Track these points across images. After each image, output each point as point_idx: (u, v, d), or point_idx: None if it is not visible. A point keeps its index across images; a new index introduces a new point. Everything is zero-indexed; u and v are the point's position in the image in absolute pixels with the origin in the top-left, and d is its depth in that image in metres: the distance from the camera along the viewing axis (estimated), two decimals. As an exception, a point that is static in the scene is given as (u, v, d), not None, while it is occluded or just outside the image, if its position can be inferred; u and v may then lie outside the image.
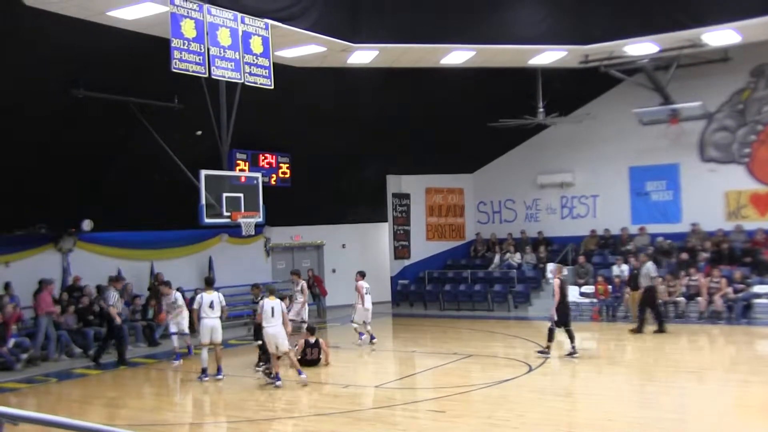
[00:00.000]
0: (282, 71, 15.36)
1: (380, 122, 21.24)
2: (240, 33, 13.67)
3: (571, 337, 14.57)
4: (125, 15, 12.98)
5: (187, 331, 15.97)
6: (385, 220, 25.90)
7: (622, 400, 11.59)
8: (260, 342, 13.78)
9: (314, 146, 21.22)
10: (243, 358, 15.41)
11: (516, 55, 18.55)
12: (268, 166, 21.10)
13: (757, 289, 19.13)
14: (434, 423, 10.25)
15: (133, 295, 18.96)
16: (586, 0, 18.03)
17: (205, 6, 12.98)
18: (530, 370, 13.44)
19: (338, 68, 17.96)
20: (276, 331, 12.78)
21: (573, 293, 21.10)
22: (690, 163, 22.44)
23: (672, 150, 22.32)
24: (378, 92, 20.08)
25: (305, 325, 15.71)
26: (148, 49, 13.95)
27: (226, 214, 13.99)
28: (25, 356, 15.52)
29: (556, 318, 14.55)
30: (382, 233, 26.32)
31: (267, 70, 14.19)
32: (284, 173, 21.64)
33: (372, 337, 17.21)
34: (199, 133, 17.17)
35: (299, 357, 14.30)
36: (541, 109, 21.11)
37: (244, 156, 20.28)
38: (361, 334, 17.39)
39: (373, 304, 17.84)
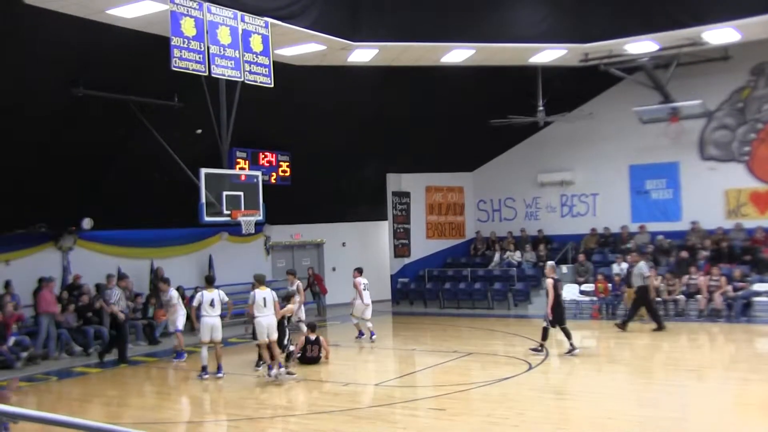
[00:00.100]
0: (282, 70, 15.36)
1: (380, 120, 21.24)
2: (240, 31, 13.68)
3: (568, 335, 14.59)
4: (125, 13, 12.99)
5: (181, 328, 15.72)
6: (385, 219, 25.90)
7: (622, 398, 11.59)
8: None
9: (314, 144, 21.22)
10: (243, 357, 15.42)
11: (516, 54, 18.55)
12: (268, 164, 21.10)
13: (757, 287, 19.14)
14: (434, 421, 10.26)
15: (134, 294, 18.96)
16: (587, -2, 18.07)
17: (205, 4, 12.98)
18: (530, 368, 13.45)
19: (338, 67, 17.96)
20: (270, 321, 12.95)
21: (573, 291, 21.24)
22: (690, 162, 22.44)
23: (672, 148, 22.33)
24: (378, 90, 20.08)
25: (302, 325, 15.71)
26: (148, 48, 13.95)
27: (226, 212, 14.01)
28: (25, 354, 15.53)
29: (551, 317, 14.58)
30: (382, 231, 26.34)
31: (267, 69, 14.20)
32: (284, 172, 21.64)
33: (372, 333, 17.26)
34: (199, 131, 17.18)
35: (299, 354, 14.34)
36: (541, 108, 21.11)
37: (244, 154, 20.28)
38: (360, 333, 17.48)
39: (374, 302, 17.92)
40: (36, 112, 15.32)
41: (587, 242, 23.80)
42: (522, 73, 20.11)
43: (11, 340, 15.38)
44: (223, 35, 13.35)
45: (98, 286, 18.52)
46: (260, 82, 14.13)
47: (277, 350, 13.25)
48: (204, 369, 13.62)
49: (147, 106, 16.44)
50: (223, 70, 13.36)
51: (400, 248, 25.85)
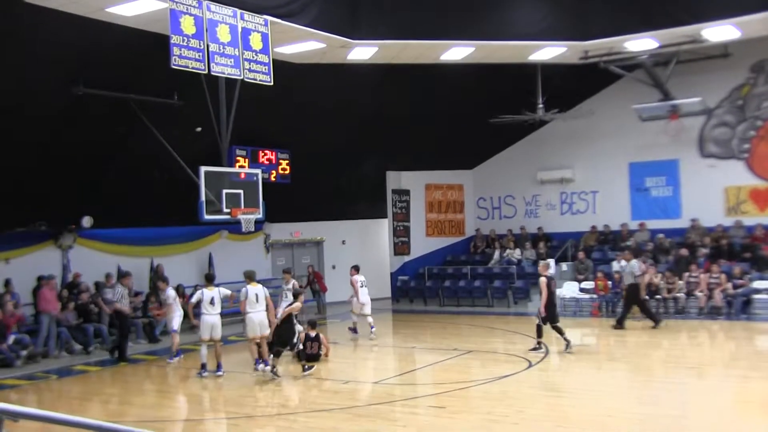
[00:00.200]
0: (281, 68, 15.37)
1: (380, 118, 21.23)
2: (239, 29, 13.68)
3: (560, 332, 14.64)
4: (124, 11, 13.00)
5: (176, 329, 15.47)
6: (385, 217, 25.90)
7: (622, 396, 11.60)
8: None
9: (314, 142, 21.22)
10: (243, 355, 15.40)
11: (516, 51, 18.54)
12: (267, 162, 21.09)
13: (757, 284, 19.13)
14: (434, 419, 10.26)
15: (134, 292, 18.95)
16: (586, -4, 18.07)
17: (205, 2, 12.98)
18: (530, 366, 13.46)
19: (338, 64, 17.95)
20: (262, 317, 13.11)
21: (573, 289, 21.26)
22: (690, 159, 22.44)
23: (672, 146, 22.32)
24: (377, 88, 20.08)
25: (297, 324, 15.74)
26: (148, 46, 13.95)
27: (225, 210, 14.01)
28: (24, 353, 15.52)
29: (544, 314, 14.62)
30: (381, 229, 26.33)
31: (266, 67, 14.20)
32: (284, 170, 21.62)
33: (371, 327, 17.40)
34: (199, 129, 17.17)
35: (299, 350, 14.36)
36: (541, 105, 21.10)
37: (243, 152, 20.26)
38: (355, 330, 17.72)
39: (374, 300, 18.02)
40: (36, 110, 15.31)
41: (587, 240, 23.80)
42: (522, 70, 20.11)
43: (11, 339, 15.37)
44: (223, 33, 13.35)
45: (97, 284, 18.53)
46: (260, 80, 14.13)
47: (265, 347, 13.30)
48: (203, 367, 13.63)
49: (147, 104, 16.43)
50: (222, 69, 13.36)
51: (400, 246, 25.86)
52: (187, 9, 12.63)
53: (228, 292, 13.99)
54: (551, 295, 14.78)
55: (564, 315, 20.33)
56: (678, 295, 19.52)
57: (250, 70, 13.87)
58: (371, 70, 18.71)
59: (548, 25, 17.97)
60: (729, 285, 19.01)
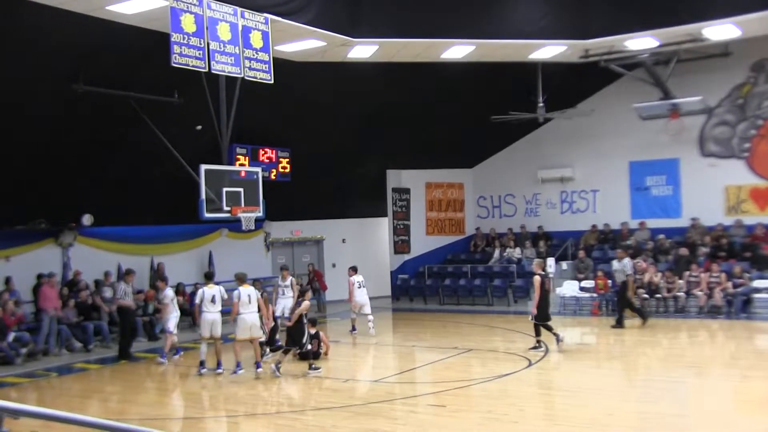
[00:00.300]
0: (282, 66, 15.36)
1: (380, 117, 21.23)
2: (240, 27, 13.67)
3: (549, 329, 14.72)
4: (125, 9, 12.98)
5: (171, 329, 15.29)
6: (385, 215, 25.90)
7: (622, 394, 11.61)
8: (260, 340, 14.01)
9: (314, 141, 21.22)
10: (242, 353, 15.41)
11: (516, 50, 18.53)
12: (268, 160, 21.08)
13: (757, 283, 19.12)
14: (434, 417, 10.26)
15: (135, 290, 18.94)
16: (587, -6, 18.05)
17: (205, 0, 12.97)
18: (530, 364, 13.46)
19: (338, 63, 17.95)
20: (254, 318, 13.18)
21: (573, 288, 21.25)
22: (690, 158, 22.43)
23: (672, 145, 22.31)
24: (378, 87, 20.06)
25: None
26: (148, 44, 13.94)
27: (226, 208, 14.00)
28: (24, 350, 15.53)
29: (536, 313, 14.63)
30: (382, 228, 26.33)
31: (267, 65, 14.20)
32: (284, 168, 21.61)
33: (370, 325, 17.52)
34: (199, 127, 17.17)
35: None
36: (541, 104, 21.09)
37: (244, 150, 20.25)
38: (354, 328, 17.84)
39: (374, 298, 18.10)
40: (36, 107, 15.30)
41: (587, 239, 23.80)
42: (522, 69, 20.09)
43: (11, 336, 15.38)
44: (223, 31, 13.34)
45: (97, 282, 18.54)
46: (260, 79, 14.13)
47: (258, 348, 13.29)
48: (202, 364, 13.64)
49: (147, 102, 16.42)
50: (223, 67, 13.35)
51: (400, 245, 25.86)
52: (187, 7, 12.63)
53: (226, 295, 13.98)
54: (545, 293, 14.80)
55: (564, 314, 20.44)
56: (678, 294, 19.53)
57: (250, 68, 13.86)
58: (371, 69, 18.70)
59: (549, 23, 17.96)
60: (729, 284, 19.01)
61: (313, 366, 13.25)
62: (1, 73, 14.05)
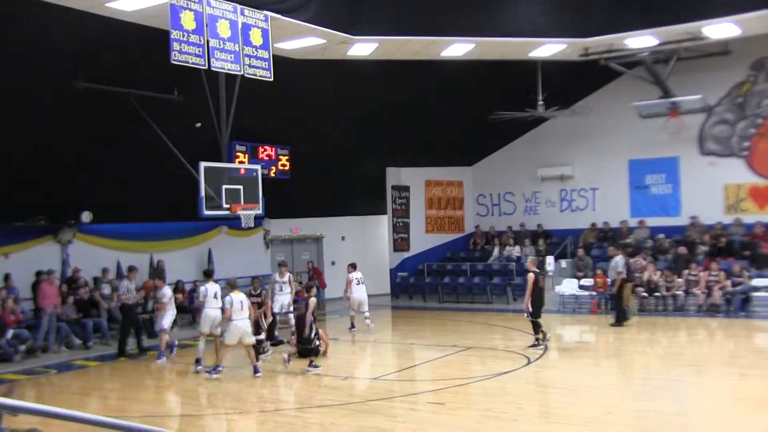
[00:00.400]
0: (282, 63, 15.35)
1: (380, 114, 21.21)
2: (239, 25, 13.66)
3: (537, 327, 14.75)
4: (125, 6, 12.97)
5: (166, 328, 15.19)
6: (385, 213, 25.90)
7: (621, 392, 11.62)
8: (260, 338, 14.03)
9: (314, 139, 21.20)
10: (242, 351, 15.41)
11: (516, 48, 18.52)
12: (267, 158, 21.05)
13: (756, 282, 19.13)
14: (433, 415, 10.27)
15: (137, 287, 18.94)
16: (587, -7, 18.03)
17: (205, -2, 12.96)
18: (529, 362, 13.47)
19: (338, 61, 17.94)
20: (245, 325, 13.05)
21: (572, 286, 21.26)
22: (689, 157, 22.44)
23: (671, 143, 22.31)
24: (378, 84, 20.03)
25: (292, 316, 15.71)
26: (148, 41, 13.92)
27: (225, 206, 14.00)
28: (23, 347, 15.53)
29: (531, 309, 14.64)
30: (381, 226, 26.33)
31: (266, 62, 14.19)
32: (284, 165, 21.58)
33: (368, 321, 17.60)
34: (199, 125, 17.15)
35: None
36: (541, 102, 21.08)
37: (243, 148, 20.22)
38: (352, 325, 17.91)
39: (373, 296, 18.14)
40: (35, 104, 15.28)
41: (586, 237, 23.81)
42: (522, 67, 20.07)
43: (9, 333, 15.38)
44: (223, 29, 13.33)
45: (96, 279, 18.54)
46: (260, 76, 14.12)
47: (253, 352, 13.25)
48: (198, 362, 13.62)
49: (147, 99, 16.40)
50: (222, 64, 13.34)
51: (400, 242, 25.87)
52: (187, 4, 12.62)
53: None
54: (539, 290, 14.81)
55: (563, 312, 20.46)
56: (677, 292, 19.53)
57: (250, 66, 13.85)
58: (371, 67, 18.69)
59: (549, 21, 17.95)
60: (728, 283, 19.01)
61: (313, 364, 13.26)
62: (1, 71, 14.03)
